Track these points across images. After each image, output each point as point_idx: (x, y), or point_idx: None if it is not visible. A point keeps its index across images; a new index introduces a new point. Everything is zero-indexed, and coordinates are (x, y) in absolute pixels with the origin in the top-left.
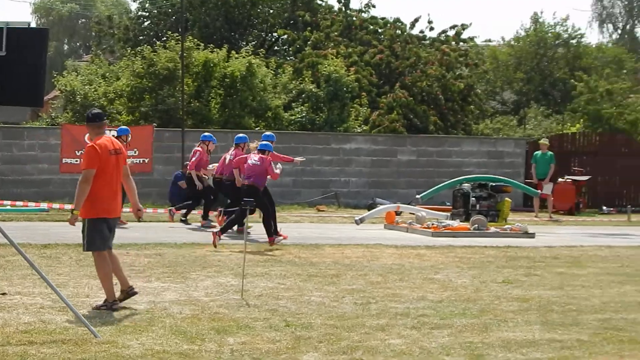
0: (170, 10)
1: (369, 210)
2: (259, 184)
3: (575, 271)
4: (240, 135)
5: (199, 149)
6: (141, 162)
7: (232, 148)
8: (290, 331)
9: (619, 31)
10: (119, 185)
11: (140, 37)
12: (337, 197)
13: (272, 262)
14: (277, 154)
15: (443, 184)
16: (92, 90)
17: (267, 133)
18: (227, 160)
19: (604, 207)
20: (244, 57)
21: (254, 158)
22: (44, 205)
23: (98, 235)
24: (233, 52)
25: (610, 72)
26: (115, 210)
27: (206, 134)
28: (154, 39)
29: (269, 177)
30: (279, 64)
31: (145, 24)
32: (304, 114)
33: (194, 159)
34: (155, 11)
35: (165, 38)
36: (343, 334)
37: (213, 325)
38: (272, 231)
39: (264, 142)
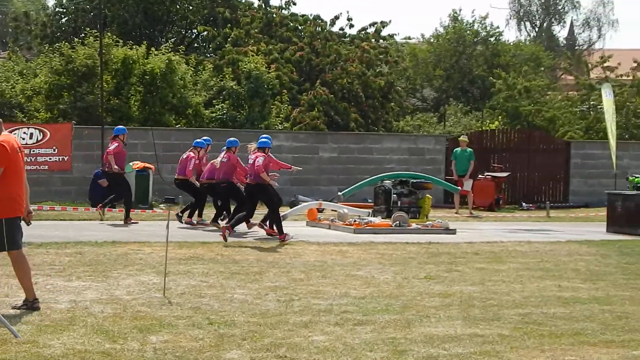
0: (88, 6)
1: (291, 207)
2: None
3: (496, 266)
4: (232, 139)
5: (192, 154)
6: (60, 160)
7: (224, 152)
8: (213, 329)
9: (537, 29)
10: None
11: (58, 34)
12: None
13: (195, 260)
14: (277, 160)
15: (364, 180)
16: (10, 87)
17: (264, 135)
18: (218, 164)
19: (523, 203)
20: (163, 54)
21: (252, 157)
22: None
23: (19, 234)
24: (153, 48)
25: (528, 69)
26: (23, 209)
27: (198, 140)
28: (72, 36)
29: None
30: (199, 61)
31: (63, 20)
32: (224, 111)
33: (190, 166)
34: (73, 7)
35: (83, 35)
36: (266, 331)
37: (135, 324)
38: (281, 228)
39: (263, 140)
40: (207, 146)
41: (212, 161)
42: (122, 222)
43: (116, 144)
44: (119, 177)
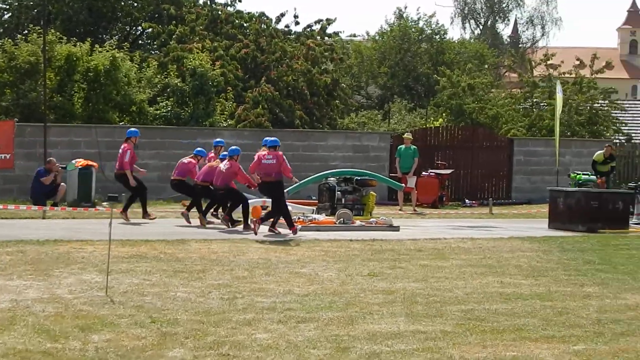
0: (31, 2)
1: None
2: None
3: (439, 263)
4: (234, 147)
5: (193, 160)
6: (2, 158)
7: (226, 159)
8: (156, 327)
9: (481, 27)
10: None
11: (1, 31)
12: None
13: (137, 259)
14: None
15: (309, 178)
16: None
17: (271, 138)
18: (223, 169)
19: (467, 200)
20: (107, 51)
21: (267, 158)
22: None
23: None
24: (97, 45)
25: (472, 67)
26: None
27: (199, 148)
28: (15, 32)
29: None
30: (144, 58)
31: (6, 16)
32: (169, 109)
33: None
34: (16, 4)
35: (26, 31)
36: (209, 329)
37: (77, 323)
38: (292, 221)
39: (233, 148)
40: (221, 147)
41: (209, 163)
42: (62, 220)
43: (129, 151)
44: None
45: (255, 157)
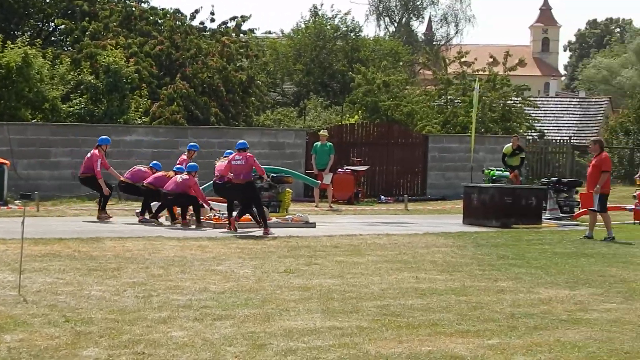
0: None
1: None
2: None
3: (355, 259)
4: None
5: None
6: None
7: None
8: (70, 327)
9: (396, 24)
10: None
11: None
12: (118, 189)
13: (51, 257)
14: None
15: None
16: None
17: (240, 141)
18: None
19: (382, 197)
20: (19, 48)
21: (237, 159)
22: None
23: None
24: (8, 42)
25: (387, 64)
26: None
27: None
28: None
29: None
30: (57, 55)
31: None
32: (82, 106)
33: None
34: None
35: None
36: (124, 327)
37: None
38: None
39: (241, 141)
40: (194, 152)
41: (167, 174)
42: None
43: (99, 159)
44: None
45: (225, 161)
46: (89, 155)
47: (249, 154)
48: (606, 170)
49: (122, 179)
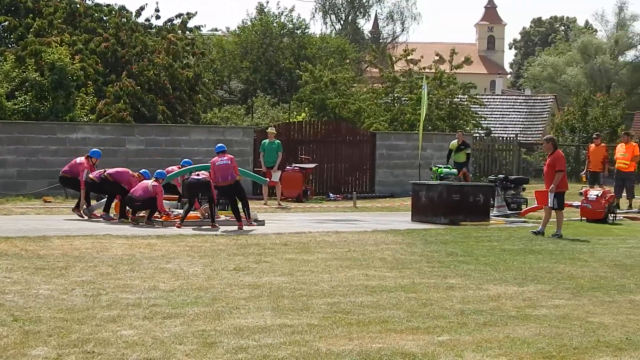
0: None
1: (97, 200)
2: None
3: (305, 257)
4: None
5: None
6: None
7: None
8: (18, 326)
9: (342, 22)
10: None
11: None
12: (65, 187)
13: None
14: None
15: (173, 173)
16: None
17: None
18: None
19: (331, 194)
20: None
21: (222, 159)
22: None
23: None
24: None
25: (334, 62)
26: None
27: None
28: None
29: None
30: (0, 52)
31: None
32: (27, 103)
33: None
34: None
35: None
36: (73, 326)
37: None
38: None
39: (220, 145)
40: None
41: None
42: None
43: (86, 170)
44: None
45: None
46: (78, 160)
47: (228, 154)
48: (560, 170)
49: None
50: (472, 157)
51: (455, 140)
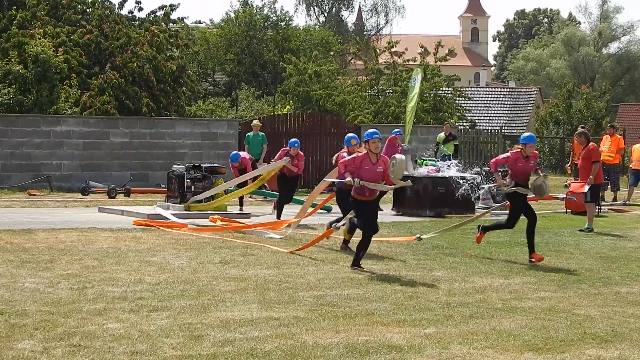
0: None
1: (82, 194)
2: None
3: (290, 250)
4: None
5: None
6: None
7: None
8: (3, 319)
9: (326, 14)
10: None
11: None
12: (49, 180)
13: None
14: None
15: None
16: None
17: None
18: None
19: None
20: None
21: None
22: None
23: None
24: None
25: (318, 54)
26: None
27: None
28: None
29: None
30: None
31: None
32: (11, 96)
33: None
34: None
35: None
36: (59, 320)
37: None
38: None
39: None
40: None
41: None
42: None
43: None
44: None
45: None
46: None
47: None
48: (596, 161)
49: None
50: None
51: (443, 133)
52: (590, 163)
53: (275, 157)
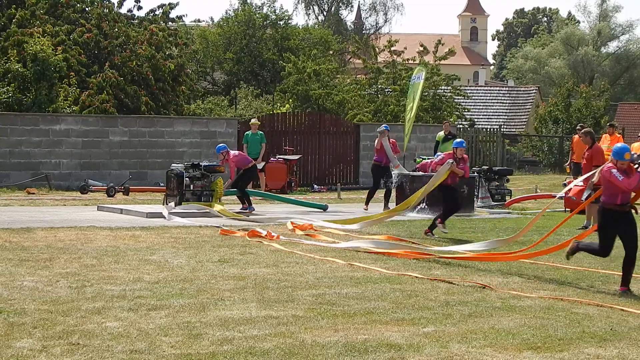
0: None
1: (81, 192)
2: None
3: (289, 248)
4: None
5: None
6: None
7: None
8: (2, 318)
9: (325, 13)
10: None
11: None
12: (48, 179)
13: None
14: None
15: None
16: None
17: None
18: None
19: (315, 185)
20: None
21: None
22: None
23: None
24: None
25: (317, 53)
26: None
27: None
28: None
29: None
30: None
31: None
32: (10, 94)
33: None
34: None
35: None
36: (58, 318)
37: None
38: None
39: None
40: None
41: None
42: None
43: None
44: None
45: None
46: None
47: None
48: (597, 165)
49: None
50: None
51: (442, 131)
52: (592, 166)
53: (437, 160)
